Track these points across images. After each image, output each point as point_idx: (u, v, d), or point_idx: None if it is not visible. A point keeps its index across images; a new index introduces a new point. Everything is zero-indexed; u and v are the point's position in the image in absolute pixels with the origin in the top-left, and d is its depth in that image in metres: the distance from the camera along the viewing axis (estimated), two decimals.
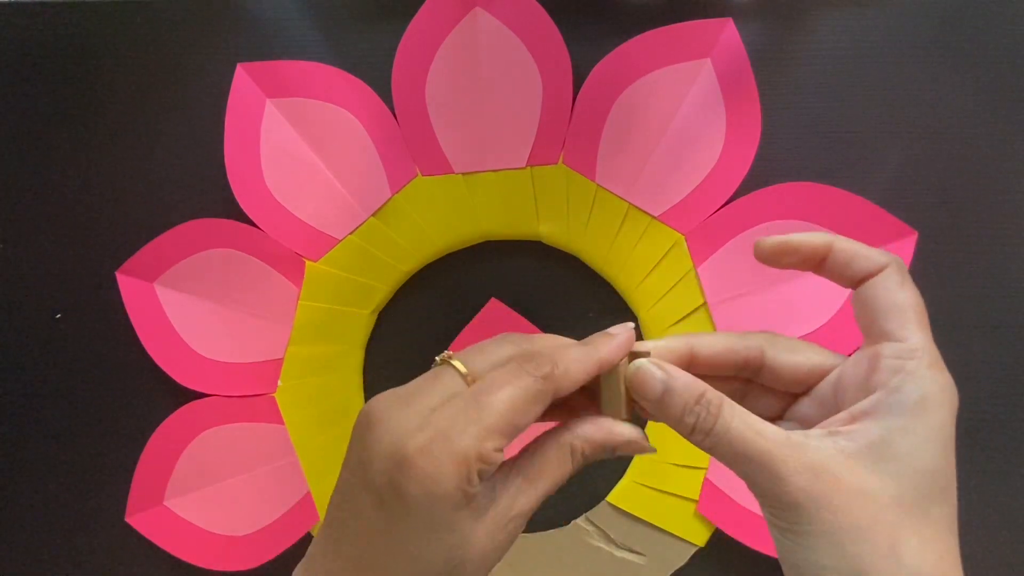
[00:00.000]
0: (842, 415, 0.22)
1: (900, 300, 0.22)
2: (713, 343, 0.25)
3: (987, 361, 0.38)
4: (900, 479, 0.20)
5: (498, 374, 0.23)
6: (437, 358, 0.24)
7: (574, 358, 0.24)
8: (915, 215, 0.37)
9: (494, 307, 0.39)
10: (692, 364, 0.25)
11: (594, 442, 0.24)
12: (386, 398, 0.23)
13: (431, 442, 0.21)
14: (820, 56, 0.38)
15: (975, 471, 0.37)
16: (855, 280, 0.23)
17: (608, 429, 0.24)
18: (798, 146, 0.38)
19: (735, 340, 0.25)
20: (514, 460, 0.24)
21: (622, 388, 0.24)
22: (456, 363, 0.24)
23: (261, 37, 0.40)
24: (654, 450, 0.25)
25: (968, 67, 0.37)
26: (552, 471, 0.24)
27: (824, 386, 0.24)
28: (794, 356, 0.24)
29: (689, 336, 0.25)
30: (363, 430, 0.23)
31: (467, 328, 0.40)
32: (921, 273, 0.37)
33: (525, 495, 0.23)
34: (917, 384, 0.21)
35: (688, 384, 0.23)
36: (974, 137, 0.37)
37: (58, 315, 0.41)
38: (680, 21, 0.37)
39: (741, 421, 0.22)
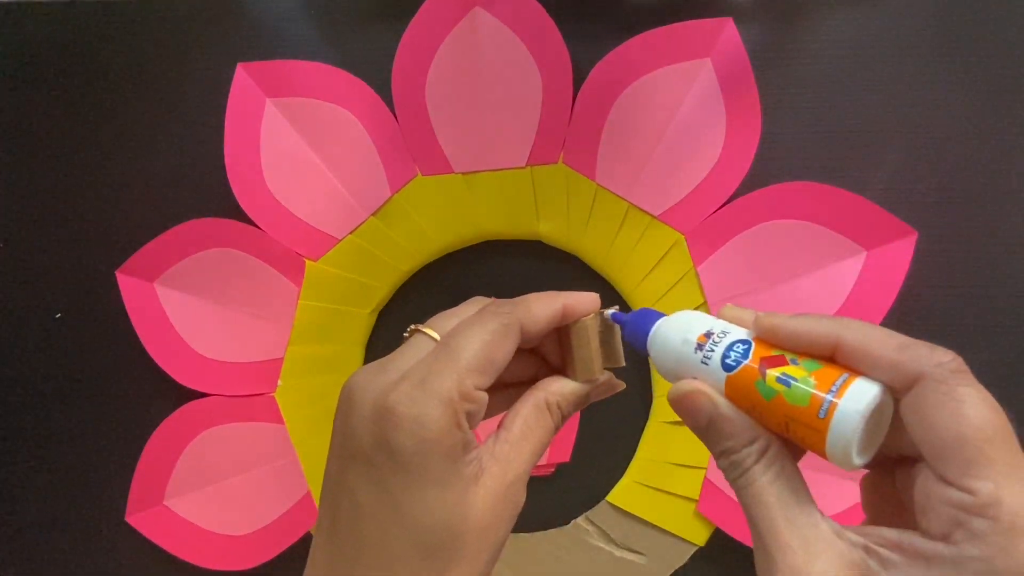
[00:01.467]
0: (888, 532, 0.18)
1: (954, 427, 0.17)
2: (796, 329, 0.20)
3: (987, 361, 0.37)
4: None
5: (465, 321, 0.23)
6: (406, 332, 0.25)
7: (537, 299, 0.25)
8: (915, 215, 0.37)
9: None
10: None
11: (565, 394, 0.25)
12: (363, 371, 0.23)
13: (412, 389, 0.21)
14: (820, 56, 0.38)
15: None
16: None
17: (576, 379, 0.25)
18: (798, 146, 0.38)
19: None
20: (496, 432, 0.24)
21: (592, 346, 0.25)
22: (427, 329, 0.24)
23: (261, 37, 0.40)
24: (624, 386, 0.26)
25: (968, 66, 0.37)
26: (534, 430, 0.24)
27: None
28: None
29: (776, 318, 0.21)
30: (345, 406, 0.23)
31: None
32: (921, 273, 0.37)
33: (515, 460, 0.23)
34: (987, 552, 0.16)
35: (735, 428, 0.20)
36: (974, 136, 0.37)
37: (58, 315, 0.41)
38: (680, 21, 0.37)
39: (769, 484, 0.19)
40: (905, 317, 0.37)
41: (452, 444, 0.21)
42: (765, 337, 0.21)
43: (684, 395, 0.21)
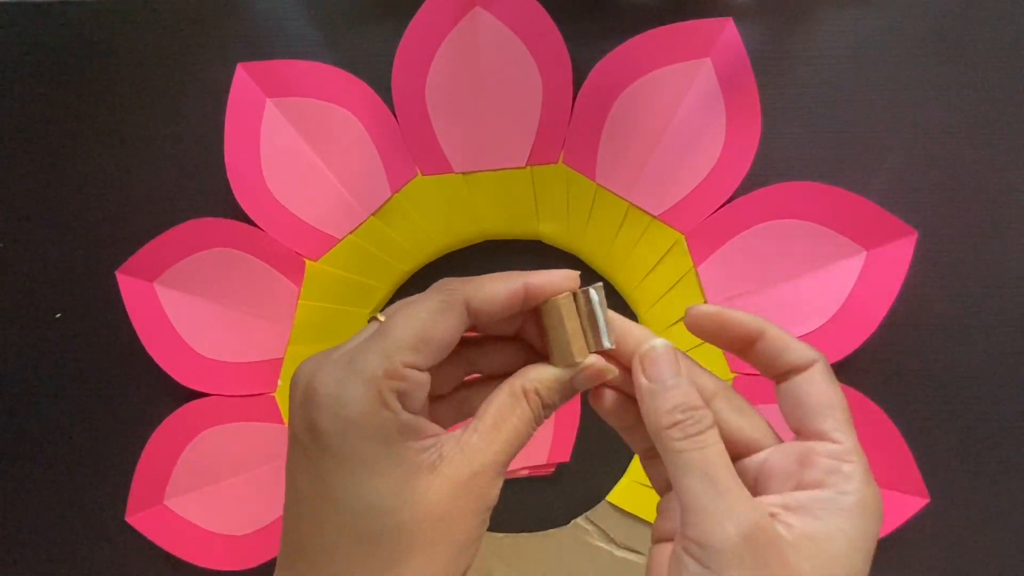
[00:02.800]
0: (773, 498, 0.22)
1: (831, 399, 0.22)
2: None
3: (987, 361, 0.37)
4: (826, 573, 0.20)
5: (406, 301, 0.22)
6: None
7: (493, 277, 0.23)
8: (915, 215, 0.37)
9: None
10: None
11: (544, 380, 0.23)
12: (310, 356, 0.23)
13: (336, 369, 0.21)
14: (820, 56, 0.38)
15: (975, 471, 0.37)
16: (781, 372, 0.23)
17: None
18: (798, 146, 0.38)
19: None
20: (469, 421, 0.23)
21: (568, 327, 0.23)
22: (379, 315, 0.23)
23: (261, 37, 0.40)
24: (615, 371, 0.24)
25: (967, 66, 0.37)
26: (508, 420, 0.22)
27: (749, 464, 0.23)
28: (740, 418, 0.23)
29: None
30: (291, 392, 0.22)
31: None
32: (921, 273, 0.37)
33: (482, 449, 0.21)
34: (856, 487, 0.21)
35: (691, 390, 0.22)
36: (974, 136, 0.38)
37: (58, 315, 0.41)
38: (680, 21, 0.37)
39: (720, 445, 0.22)
40: (905, 317, 0.37)
41: (379, 425, 0.20)
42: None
43: (653, 348, 0.23)
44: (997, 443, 0.37)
